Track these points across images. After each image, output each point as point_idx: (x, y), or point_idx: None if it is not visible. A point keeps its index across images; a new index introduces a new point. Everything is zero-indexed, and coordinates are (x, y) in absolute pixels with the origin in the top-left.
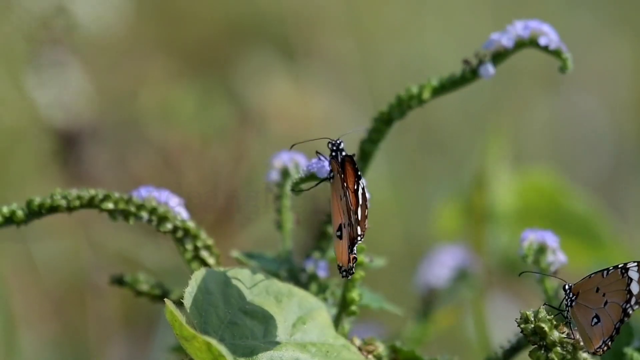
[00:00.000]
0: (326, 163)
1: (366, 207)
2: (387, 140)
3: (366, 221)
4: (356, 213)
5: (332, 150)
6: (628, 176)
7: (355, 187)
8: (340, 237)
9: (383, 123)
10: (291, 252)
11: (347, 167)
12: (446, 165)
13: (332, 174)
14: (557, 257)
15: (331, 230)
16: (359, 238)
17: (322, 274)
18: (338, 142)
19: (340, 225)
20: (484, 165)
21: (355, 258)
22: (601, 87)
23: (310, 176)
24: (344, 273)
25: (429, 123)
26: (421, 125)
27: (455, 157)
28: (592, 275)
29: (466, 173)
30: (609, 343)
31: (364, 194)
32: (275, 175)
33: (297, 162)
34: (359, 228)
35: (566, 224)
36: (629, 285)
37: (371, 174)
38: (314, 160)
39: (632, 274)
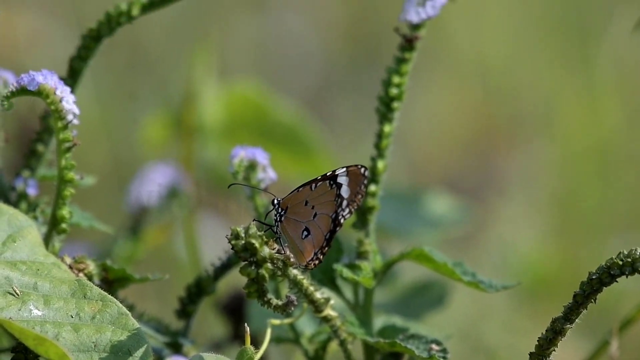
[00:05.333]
0: (37, 75)
1: None
2: (95, 58)
3: None
4: None
5: None
6: (336, 92)
7: None
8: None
9: (92, 40)
10: (0, 170)
11: None
12: (154, 83)
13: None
14: (267, 173)
15: (40, 148)
16: None
17: (31, 192)
18: None
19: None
20: (191, 80)
21: None
22: (311, 8)
23: (21, 90)
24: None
25: (137, 40)
26: (129, 42)
27: (163, 75)
28: (300, 189)
29: (174, 89)
30: (321, 256)
31: None
32: None
33: (5, 79)
34: None
35: (273, 134)
36: (338, 192)
37: (79, 92)
38: (24, 74)
39: (341, 179)
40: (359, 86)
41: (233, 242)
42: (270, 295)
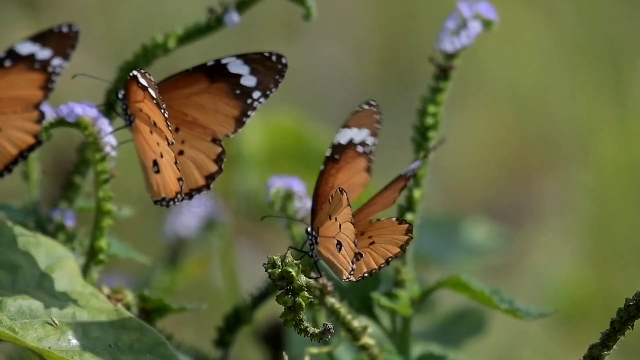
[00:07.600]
0: (76, 107)
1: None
2: None
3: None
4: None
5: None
6: None
7: (156, 98)
8: (158, 171)
9: (129, 72)
10: (38, 202)
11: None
12: None
13: (129, 114)
14: (303, 203)
15: (78, 180)
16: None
17: (69, 223)
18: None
19: (155, 160)
20: None
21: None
22: (345, 33)
23: (60, 121)
24: (171, 202)
25: (173, 69)
26: (166, 71)
27: None
28: (323, 206)
29: None
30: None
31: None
32: None
33: (43, 110)
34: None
35: (311, 162)
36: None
37: (117, 123)
38: (62, 105)
39: None
40: (393, 112)
41: (270, 270)
42: (307, 324)
